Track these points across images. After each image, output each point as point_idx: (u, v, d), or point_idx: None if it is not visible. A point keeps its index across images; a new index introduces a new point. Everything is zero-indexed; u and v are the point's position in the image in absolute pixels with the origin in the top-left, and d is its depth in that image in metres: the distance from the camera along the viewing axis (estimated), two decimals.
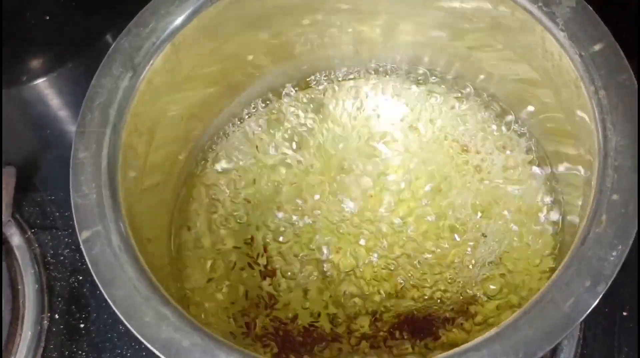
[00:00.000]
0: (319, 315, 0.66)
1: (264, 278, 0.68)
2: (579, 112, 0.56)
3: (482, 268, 0.66)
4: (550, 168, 0.69)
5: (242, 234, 0.70)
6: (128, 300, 0.48)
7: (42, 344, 0.70)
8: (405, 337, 0.64)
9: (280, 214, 0.71)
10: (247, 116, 0.75)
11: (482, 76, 0.72)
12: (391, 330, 0.64)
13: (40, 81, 0.88)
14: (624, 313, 0.68)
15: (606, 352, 0.66)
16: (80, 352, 0.70)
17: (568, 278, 0.46)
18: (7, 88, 0.87)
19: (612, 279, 0.46)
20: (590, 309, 0.45)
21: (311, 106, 0.76)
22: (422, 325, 0.64)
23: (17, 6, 0.88)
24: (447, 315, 0.65)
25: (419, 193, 0.71)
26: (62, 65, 0.89)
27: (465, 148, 0.72)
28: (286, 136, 0.75)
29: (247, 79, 0.73)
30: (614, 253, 0.46)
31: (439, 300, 0.65)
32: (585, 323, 0.67)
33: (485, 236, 0.67)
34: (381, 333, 0.64)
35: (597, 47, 0.54)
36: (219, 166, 0.73)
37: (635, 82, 0.52)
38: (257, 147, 0.74)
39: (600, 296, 0.45)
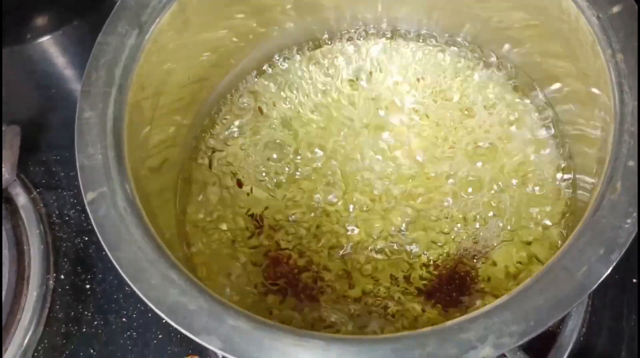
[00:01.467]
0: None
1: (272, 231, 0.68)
2: (596, 76, 0.54)
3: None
4: (564, 133, 0.68)
5: (249, 196, 0.70)
6: (134, 263, 0.48)
7: (48, 305, 0.70)
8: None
9: (289, 167, 0.71)
10: (255, 77, 0.74)
11: (495, 39, 0.71)
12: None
13: (45, 39, 0.87)
14: (634, 281, 0.67)
15: (615, 319, 0.66)
16: (85, 313, 0.70)
17: (581, 246, 0.45)
18: (12, 46, 0.86)
19: (626, 247, 0.45)
20: (603, 277, 0.44)
21: (321, 67, 0.75)
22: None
23: None
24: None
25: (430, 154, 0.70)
26: (67, 23, 0.88)
27: (471, 113, 0.71)
28: (294, 97, 0.74)
29: (255, 39, 0.72)
30: (629, 221, 0.46)
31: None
32: (595, 290, 0.66)
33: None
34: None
35: (615, 9, 0.53)
36: (226, 127, 0.72)
37: None
38: (262, 109, 0.73)
39: (614, 264, 0.45)
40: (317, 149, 0.71)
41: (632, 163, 0.47)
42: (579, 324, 0.65)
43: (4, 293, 0.68)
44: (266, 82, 0.75)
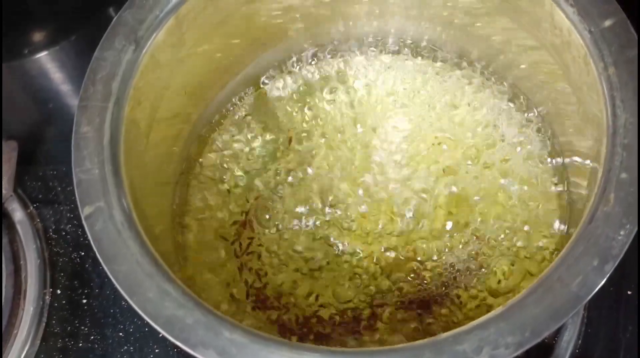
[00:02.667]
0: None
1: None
2: (588, 89, 0.55)
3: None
4: (556, 146, 0.68)
5: (244, 205, 0.70)
6: (130, 277, 0.48)
7: (45, 319, 0.70)
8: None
9: (286, 180, 0.71)
10: (250, 92, 0.75)
11: (488, 54, 0.71)
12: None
13: (43, 54, 0.87)
14: (629, 293, 0.67)
15: (611, 331, 0.66)
16: (82, 328, 0.70)
17: (576, 257, 0.46)
18: (9, 61, 0.86)
19: (620, 258, 0.45)
20: (597, 288, 0.45)
21: (314, 81, 0.75)
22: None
23: None
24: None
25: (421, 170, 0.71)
26: (65, 38, 0.88)
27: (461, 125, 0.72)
28: (288, 111, 0.74)
29: (251, 53, 0.72)
30: (622, 232, 0.46)
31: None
32: (590, 301, 0.66)
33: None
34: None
35: (607, 23, 0.53)
36: (222, 141, 0.73)
37: None
38: (257, 124, 0.74)
39: (608, 275, 0.45)
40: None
41: (625, 175, 0.48)
42: (575, 335, 0.65)
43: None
44: (261, 96, 0.75)
